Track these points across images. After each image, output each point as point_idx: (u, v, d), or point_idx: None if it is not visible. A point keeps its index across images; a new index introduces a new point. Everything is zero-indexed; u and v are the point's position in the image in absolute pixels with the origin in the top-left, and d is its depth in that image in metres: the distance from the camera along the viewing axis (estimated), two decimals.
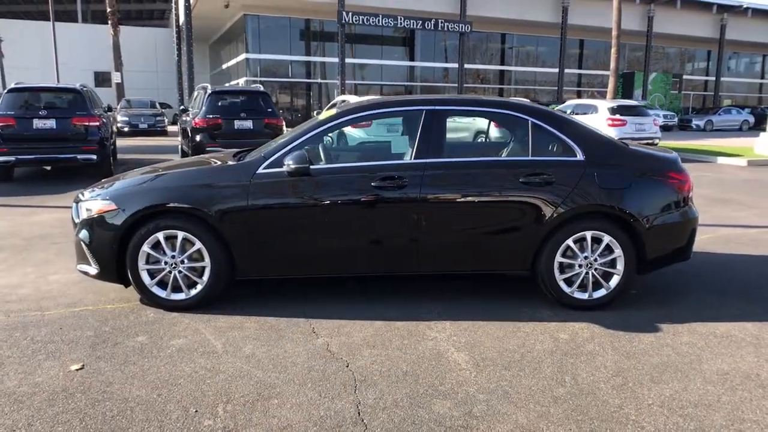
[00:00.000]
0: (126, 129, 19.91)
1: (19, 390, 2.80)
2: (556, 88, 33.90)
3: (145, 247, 3.77)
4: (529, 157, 3.92)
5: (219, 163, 4.11)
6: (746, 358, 3.23)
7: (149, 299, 3.87)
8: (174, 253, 3.80)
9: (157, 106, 23.55)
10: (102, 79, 33.98)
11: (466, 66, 31.43)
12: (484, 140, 4.48)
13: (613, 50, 21.69)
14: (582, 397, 2.79)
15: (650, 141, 14.90)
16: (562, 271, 3.90)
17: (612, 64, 22.08)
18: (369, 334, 3.50)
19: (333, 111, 4.08)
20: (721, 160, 14.61)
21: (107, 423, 2.53)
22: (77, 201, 4.09)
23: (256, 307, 3.91)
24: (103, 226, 3.79)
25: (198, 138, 10.43)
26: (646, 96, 35.11)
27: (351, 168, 3.87)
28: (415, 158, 3.84)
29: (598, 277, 3.91)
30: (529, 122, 3.96)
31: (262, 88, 11.39)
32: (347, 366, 3.09)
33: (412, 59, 33.16)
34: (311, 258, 3.87)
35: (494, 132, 4.33)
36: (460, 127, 11.30)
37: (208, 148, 10.29)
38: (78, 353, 3.21)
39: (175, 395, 2.76)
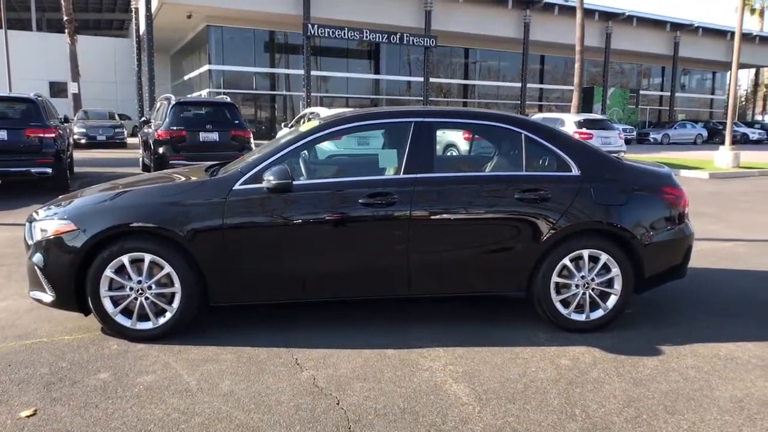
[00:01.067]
0: (83, 141, 19.05)
1: None
2: (519, 102, 34.39)
3: (108, 272, 3.40)
4: (524, 172, 3.74)
5: (189, 178, 3.78)
6: (757, 383, 3.08)
7: (113, 329, 3.49)
8: (140, 278, 3.44)
9: (116, 117, 22.71)
10: (58, 89, 32.69)
11: (431, 80, 31.57)
12: (468, 153, 4.27)
13: (577, 65, 22.10)
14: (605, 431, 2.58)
15: (616, 154, 15.10)
16: (558, 292, 3.71)
17: (576, 79, 22.49)
18: (358, 365, 3.22)
19: (314, 123, 3.81)
20: (684, 173, 14.92)
21: None
22: (31, 221, 3.69)
23: (232, 336, 3.57)
24: (61, 249, 3.41)
25: (161, 150, 9.97)
26: (605, 110, 35.98)
27: (336, 184, 3.60)
28: (404, 173, 3.60)
29: (595, 297, 3.73)
30: (522, 135, 3.78)
31: (228, 99, 11.01)
32: (338, 403, 2.80)
33: (377, 72, 33.11)
34: (292, 281, 3.56)
35: (484, 145, 4.13)
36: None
37: (171, 161, 9.87)
38: (30, 395, 2.82)
39: None
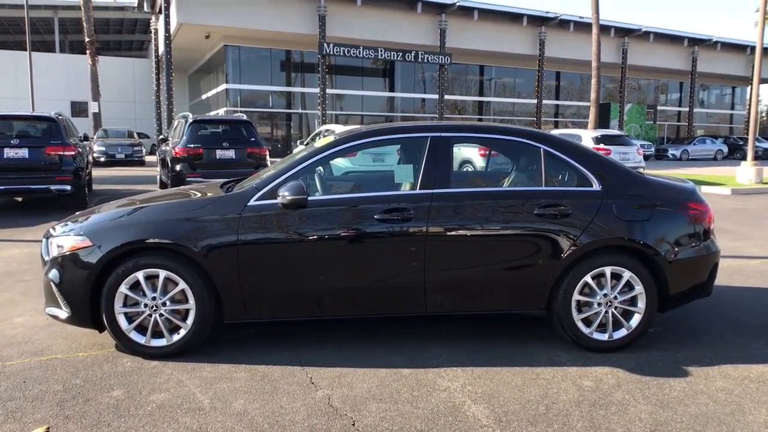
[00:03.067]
0: (102, 159, 19.34)
1: None
2: (535, 118, 34.28)
3: (123, 288, 3.38)
4: (543, 187, 3.66)
5: (204, 194, 3.77)
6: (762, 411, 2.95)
7: (127, 346, 3.46)
8: (155, 295, 3.41)
9: (135, 135, 23.04)
10: (79, 109, 33.30)
11: (446, 97, 31.64)
12: (485, 168, 4.20)
13: (593, 81, 22.00)
14: None
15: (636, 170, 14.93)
16: (579, 310, 3.60)
17: (592, 95, 22.37)
18: (374, 385, 3.14)
19: (329, 138, 3.79)
20: (705, 188, 14.66)
21: None
22: (48, 237, 3.69)
23: (246, 354, 3.52)
24: (76, 265, 3.40)
25: (178, 168, 10.05)
26: (622, 126, 35.73)
27: (351, 199, 3.55)
28: (420, 188, 3.55)
29: (618, 315, 3.62)
30: (541, 150, 3.71)
31: (245, 117, 11.09)
32: (353, 424, 2.72)
33: (392, 90, 33.28)
34: (307, 299, 3.51)
35: (501, 161, 4.07)
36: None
37: (188, 179, 9.94)
38: (43, 412, 2.79)
39: None
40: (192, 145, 10.07)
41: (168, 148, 11.07)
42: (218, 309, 3.48)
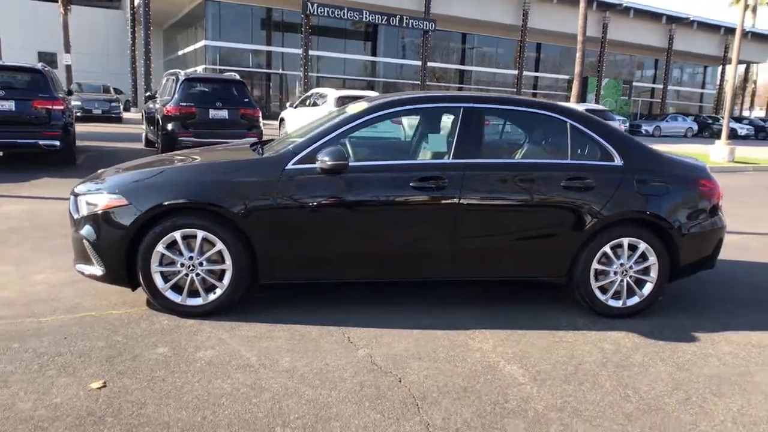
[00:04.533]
0: (79, 114, 18.71)
1: (36, 414, 2.43)
2: (515, 89, 34.43)
3: (160, 247, 3.41)
4: (569, 161, 3.80)
5: (239, 156, 3.79)
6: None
7: (162, 305, 3.51)
8: (192, 254, 3.46)
9: (111, 91, 22.30)
10: (48, 60, 31.92)
11: (429, 64, 31.44)
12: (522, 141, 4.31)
13: (578, 55, 22.23)
14: (653, 414, 2.68)
15: None
16: (597, 279, 3.80)
17: (577, 68, 22.63)
18: (410, 345, 3.29)
19: (363, 104, 3.83)
20: None
21: None
22: (76, 194, 3.68)
23: (281, 314, 3.62)
24: (112, 223, 3.41)
25: (170, 126, 9.87)
26: (599, 100, 36.19)
27: (390, 166, 3.62)
28: (453, 158, 3.64)
29: (632, 284, 3.84)
30: (568, 124, 3.84)
31: (237, 77, 10.90)
32: (400, 381, 2.87)
33: (374, 54, 32.89)
34: (342, 261, 3.61)
35: (531, 133, 4.17)
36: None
37: (180, 138, 9.79)
38: (94, 368, 2.85)
39: (222, 418, 2.47)
40: (184, 104, 9.88)
41: (158, 105, 10.83)
42: (254, 270, 3.55)
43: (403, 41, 33.08)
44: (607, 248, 3.76)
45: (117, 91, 25.38)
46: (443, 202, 3.56)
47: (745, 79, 49.75)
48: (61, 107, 8.86)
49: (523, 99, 4.03)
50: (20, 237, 5.22)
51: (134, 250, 3.43)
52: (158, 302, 3.51)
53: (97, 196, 3.51)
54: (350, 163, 3.49)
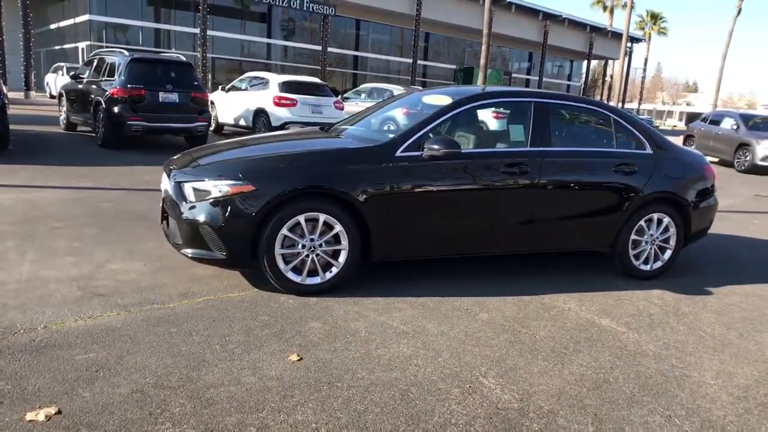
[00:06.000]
0: None
1: (270, 384, 2.60)
2: (409, 77, 35.67)
3: (284, 230, 3.58)
4: (615, 149, 4.52)
5: (345, 143, 4.03)
6: None
7: (283, 285, 3.67)
8: (313, 236, 3.66)
9: None
10: None
11: (329, 49, 31.51)
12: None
13: (484, 47, 23.76)
14: (727, 346, 3.46)
15: None
16: (633, 248, 4.58)
17: (482, 60, 24.16)
18: (515, 309, 3.79)
19: (448, 98, 4.22)
20: None
21: (401, 405, 2.52)
22: (180, 182, 3.69)
23: (388, 290, 3.93)
24: (238, 209, 3.51)
25: (116, 109, 9.28)
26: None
27: (485, 153, 4.07)
28: (531, 146, 4.19)
29: (657, 251, 4.67)
30: (611, 118, 4.56)
31: (183, 59, 10.45)
32: (535, 336, 3.38)
33: (269, 36, 32.22)
34: (444, 239, 4.02)
35: (585, 125, 4.84)
36: None
37: (130, 122, 9.29)
38: (274, 344, 3.01)
39: (416, 376, 2.81)
40: (133, 86, 9.34)
41: (93, 87, 10.07)
42: (366, 249, 3.82)
43: (293, 24, 32.76)
44: (642, 222, 4.54)
45: None
46: (526, 183, 4.10)
47: (604, 73, 55.70)
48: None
49: (577, 96, 4.68)
50: (47, 228, 4.88)
51: (257, 234, 3.56)
52: (280, 283, 3.67)
53: (218, 182, 3.57)
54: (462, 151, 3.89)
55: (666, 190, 4.56)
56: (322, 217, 3.65)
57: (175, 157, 4.26)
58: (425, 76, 40.83)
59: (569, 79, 52.15)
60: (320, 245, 3.69)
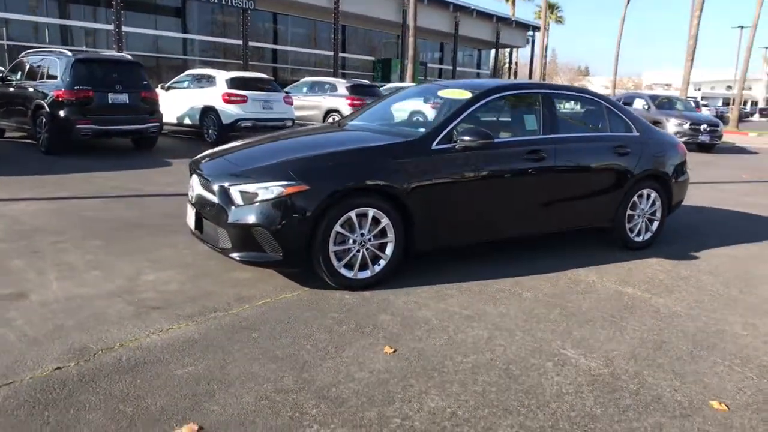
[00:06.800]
0: None
1: (383, 377, 2.69)
2: (331, 70, 35.54)
3: (337, 227, 3.63)
4: (611, 133, 4.92)
5: (380, 138, 4.12)
6: (762, 267, 4.80)
7: (337, 281, 3.72)
8: (363, 231, 3.74)
9: None
10: None
11: (250, 44, 30.68)
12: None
13: (411, 40, 24.29)
14: (740, 301, 3.93)
15: None
16: (629, 221, 5.02)
17: (410, 52, 24.66)
18: (549, 287, 4.07)
19: (467, 92, 4.40)
20: None
21: (511, 382, 2.71)
22: (226, 186, 3.65)
23: (429, 277, 4.07)
24: (293, 209, 3.52)
25: (63, 113, 8.67)
26: (403, 81, 39.29)
27: (509, 142, 4.30)
28: (543, 134, 4.48)
29: (648, 223, 5.14)
30: (603, 105, 4.97)
31: (130, 57, 9.90)
32: (582, 308, 3.67)
33: (185, 31, 30.86)
34: (480, 225, 4.25)
35: (583, 112, 5.19)
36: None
37: (78, 126, 8.74)
38: (361, 339, 3.07)
39: (505, 356, 3.02)
40: (80, 87, 8.75)
41: (29, 90, 9.31)
42: (410, 241, 3.95)
43: (216, 19, 31.63)
44: (635, 197, 4.99)
45: None
46: (545, 168, 4.39)
47: (510, 61, 58.30)
48: None
49: (575, 87, 5.04)
50: (49, 242, 4.56)
51: (311, 233, 3.59)
52: (333, 279, 3.71)
53: (266, 184, 3.55)
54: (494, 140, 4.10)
55: (653, 167, 5.03)
56: (371, 212, 3.73)
57: (203, 160, 4.16)
58: (344, 68, 40.82)
59: (479, 68, 54.05)
60: (369, 239, 3.77)
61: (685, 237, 5.74)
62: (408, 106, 5.30)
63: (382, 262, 3.85)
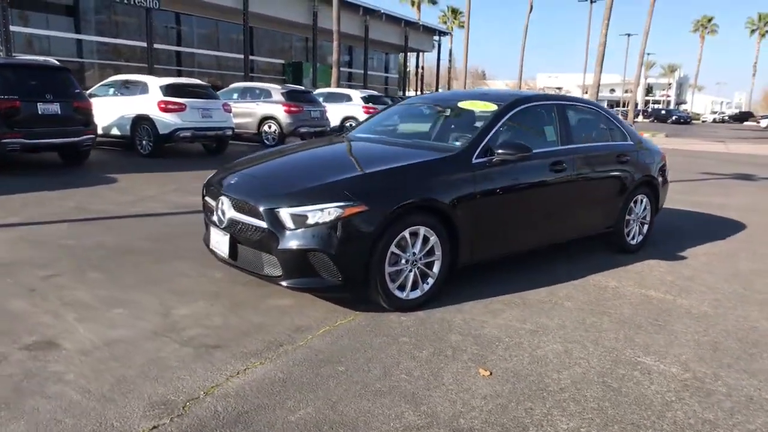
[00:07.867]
0: None
1: (501, 402, 2.64)
2: (242, 73, 34.46)
3: (393, 248, 3.52)
4: (613, 142, 5.17)
5: (422, 154, 4.04)
6: (743, 262, 5.27)
7: (391, 303, 3.60)
8: (414, 250, 3.65)
9: None
10: None
11: (155, 46, 28.95)
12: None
13: (335, 44, 24.21)
14: (747, 296, 4.29)
15: None
16: (626, 226, 5.31)
17: (335, 56, 24.58)
18: (581, 294, 4.21)
19: (493, 105, 4.43)
20: None
21: (616, 395, 2.76)
22: (275, 210, 3.41)
23: (472, 292, 4.06)
24: (353, 231, 3.36)
25: None
26: (315, 84, 38.97)
27: (539, 154, 4.35)
28: (561, 145, 4.62)
29: (641, 227, 5.47)
30: (602, 115, 5.20)
31: (57, 63, 8.96)
32: (622, 310, 3.83)
33: (78, 31, 28.56)
34: (521, 235, 4.36)
35: (587, 123, 5.36)
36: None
37: (4, 140, 7.83)
38: (451, 364, 2.99)
39: (593, 363, 3.08)
40: (4, 97, 7.80)
41: None
42: (455, 256, 3.91)
43: (113, 18, 29.56)
44: (632, 203, 5.28)
45: None
46: (565, 177, 4.53)
47: (417, 65, 59.63)
48: None
49: (582, 98, 5.24)
50: (46, 275, 4.01)
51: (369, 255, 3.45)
52: (388, 302, 3.59)
53: (321, 205, 3.36)
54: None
55: (647, 174, 5.36)
56: (422, 230, 3.65)
57: (227, 180, 3.86)
58: (253, 71, 39.73)
59: (387, 71, 54.85)
60: (420, 258, 3.69)
61: (663, 235, 6.16)
62: (416, 117, 5.25)
63: (430, 281, 3.78)
